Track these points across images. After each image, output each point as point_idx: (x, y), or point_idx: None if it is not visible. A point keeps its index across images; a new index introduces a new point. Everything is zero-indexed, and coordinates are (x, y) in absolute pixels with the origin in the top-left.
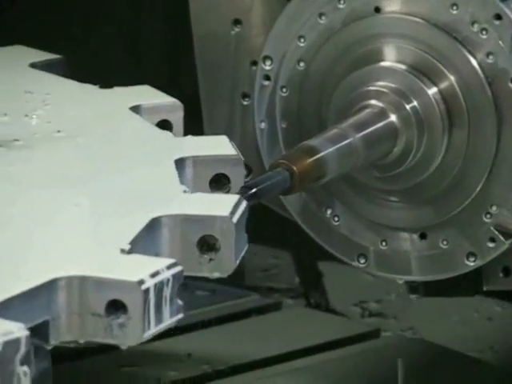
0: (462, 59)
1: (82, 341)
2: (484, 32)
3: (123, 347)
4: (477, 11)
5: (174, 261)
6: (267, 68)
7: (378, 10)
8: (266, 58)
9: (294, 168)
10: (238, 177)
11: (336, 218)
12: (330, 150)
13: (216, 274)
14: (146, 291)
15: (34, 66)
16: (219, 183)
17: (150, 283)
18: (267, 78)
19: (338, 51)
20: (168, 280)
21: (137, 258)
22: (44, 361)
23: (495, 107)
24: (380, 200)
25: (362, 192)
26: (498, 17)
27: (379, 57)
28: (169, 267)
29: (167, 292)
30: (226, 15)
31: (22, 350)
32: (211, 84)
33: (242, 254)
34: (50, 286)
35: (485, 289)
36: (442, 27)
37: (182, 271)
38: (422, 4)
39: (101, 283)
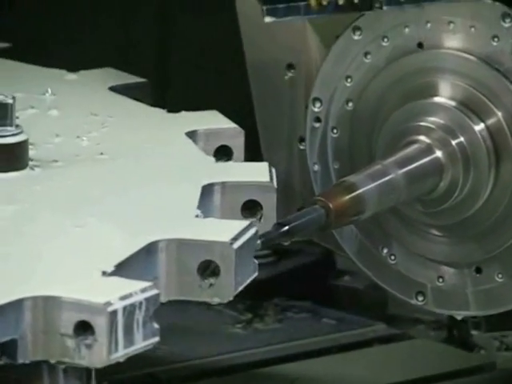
0: (506, 92)
1: (52, 361)
2: None
3: (91, 367)
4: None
5: (149, 284)
6: (317, 110)
7: (421, 45)
8: (315, 99)
9: (330, 205)
10: (269, 203)
11: (392, 257)
12: (370, 186)
13: (216, 300)
14: (113, 313)
15: (113, 89)
16: (252, 210)
17: (118, 305)
18: (318, 119)
19: (384, 89)
20: (141, 303)
21: (115, 280)
22: None
23: None
24: (432, 236)
25: (415, 229)
26: None
27: (424, 93)
28: (143, 290)
29: (139, 315)
30: (280, 59)
31: None
32: (270, 129)
33: (248, 280)
34: (16, 305)
35: None
36: (484, 60)
37: (157, 295)
38: (464, 38)
39: (69, 304)
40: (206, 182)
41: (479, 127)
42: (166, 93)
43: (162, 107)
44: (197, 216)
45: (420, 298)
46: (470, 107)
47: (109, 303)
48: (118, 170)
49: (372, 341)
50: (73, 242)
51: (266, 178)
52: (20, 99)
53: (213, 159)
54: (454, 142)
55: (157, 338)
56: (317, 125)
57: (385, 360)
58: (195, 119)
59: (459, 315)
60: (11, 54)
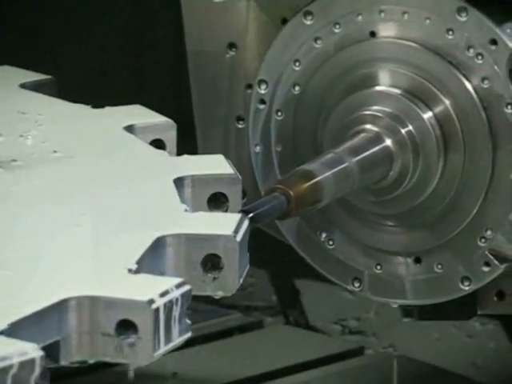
0: (457, 84)
1: (91, 361)
2: (479, 57)
3: (133, 366)
4: (472, 36)
5: (181, 280)
6: (262, 92)
7: (373, 34)
8: (261, 81)
9: (291, 193)
10: (236, 196)
11: (331, 242)
12: (327, 174)
13: (220, 293)
14: (156, 311)
15: (23, 86)
16: (217, 202)
17: (159, 303)
18: (262, 101)
19: (333, 75)
20: (177, 299)
21: (145, 277)
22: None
23: (490, 132)
24: (375, 224)
25: (356, 216)
26: (494, 42)
27: (375, 81)
28: (177, 286)
29: (176, 311)
30: (221, 38)
31: (37, 370)
32: (206, 106)
33: (245, 272)
34: (60, 307)
35: (479, 313)
36: (437, 52)
37: (190, 290)
38: (418, 29)
39: (111, 303)
40: (175, 176)
41: (428, 115)
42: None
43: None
44: (186, 210)
45: (356, 284)
46: (420, 97)
47: (152, 301)
48: (84, 169)
49: (231, 330)
50: (80, 241)
51: (231, 171)
52: None
53: (166, 153)
54: (403, 131)
55: (189, 334)
56: (261, 106)
57: (248, 349)
58: (126, 113)
59: (395, 303)
60: None
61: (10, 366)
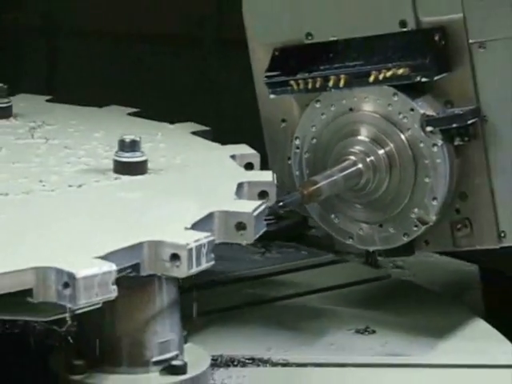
0: (396, 134)
1: (159, 274)
2: (405, 119)
3: (179, 276)
4: (401, 107)
5: (209, 234)
6: (297, 142)
7: (351, 109)
8: (296, 137)
9: (305, 192)
10: (273, 193)
11: (336, 219)
12: (324, 182)
13: (244, 242)
14: (190, 249)
15: (194, 133)
16: (263, 196)
17: (192, 245)
18: (297, 147)
19: (331, 133)
20: (204, 244)
21: (192, 232)
22: (172, 291)
23: (413, 157)
24: (356, 208)
25: (347, 204)
26: (412, 109)
27: (353, 134)
28: (206, 237)
29: (204, 250)
30: (277, 116)
31: (113, 276)
32: (273, 152)
33: (261, 232)
34: (140, 245)
35: (416, 253)
36: (384, 117)
37: (213, 240)
38: (374, 105)
39: (167, 244)
40: (239, 181)
41: (381, 151)
42: None
43: None
44: (235, 199)
45: (350, 240)
46: (378, 142)
47: (188, 244)
48: (193, 172)
49: (328, 262)
50: (169, 207)
51: (271, 179)
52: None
53: (242, 168)
54: (368, 160)
55: (212, 262)
56: (297, 151)
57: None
58: (233, 148)
59: (371, 249)
60: None
61: (96, 275)
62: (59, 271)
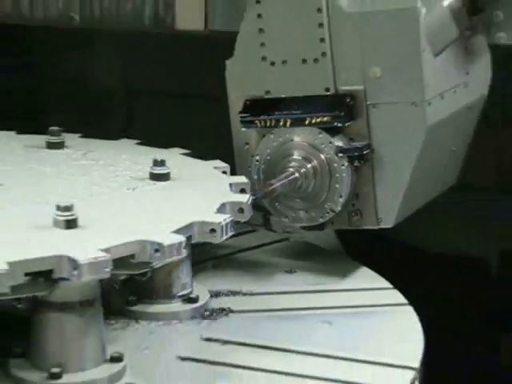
0: (319, 156)
1: (202, 241)
2: (326, 147)
3: (215, 242)
4: (323, 141)
5: (229, 215)
6: (257, 158)
7: (292, 140)
8: (256, 154)
9: (265, 190)
10: (248, 189)
11: (279, 206)
12: (277, 184)
13: (242, 220)
14: (222, 226)
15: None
16: (243, 191)
17: (223, 223)
18: (257, 161)
19: (279, 153)
20: (229, 222)
21: (220, 215)
22: (188, 251)
23: (329, 172)
24: (294, 200)
25: (288, 198)
26: (330, 142)
27: (293, 154)
28: (229, 217)
29: (229, 225)
30: (242, 141)
31: (183, 243)
32: (239, 164)
33: (251, 214)
34: (190, 226)
35: (324, 229)
36: (313, 146)
37: (233, 219)
38: (308, 138)
39: (206, 224)
40: (230, 182)
41: (309, 165)
42: None
43: None
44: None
45: (286, 219)
46: (307, 160)
47: (220, 222)
48: (192, 182)
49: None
50: (197, 200)
51: (247, 181)
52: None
53: (225, 176)
54: (302, 171)
55: (233, 232)
56: (256, 163)
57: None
58: (212, 163)
59: (299, 225)
60: None
61: (174, 244)
62: (153, 243)
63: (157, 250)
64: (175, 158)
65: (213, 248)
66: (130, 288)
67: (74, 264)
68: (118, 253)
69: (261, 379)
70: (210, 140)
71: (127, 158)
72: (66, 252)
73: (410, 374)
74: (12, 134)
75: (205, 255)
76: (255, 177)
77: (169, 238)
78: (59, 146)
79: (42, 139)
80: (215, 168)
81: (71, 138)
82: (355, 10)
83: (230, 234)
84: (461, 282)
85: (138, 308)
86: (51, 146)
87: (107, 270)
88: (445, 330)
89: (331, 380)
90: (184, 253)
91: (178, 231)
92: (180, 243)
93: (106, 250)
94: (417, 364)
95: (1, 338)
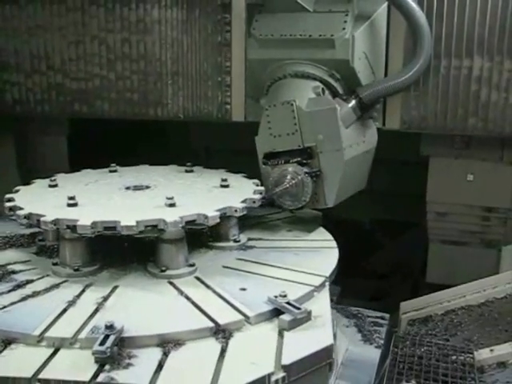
0: (297, 176)
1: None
2: (300, 171)
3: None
4: (299, 170)
5: (245, 204)
6: (270, 178)
7: (285, 169)
8: (271, 177)
9: (274, 192)
10: (263, 192)
11: (280, 200)
12: (278, 190)
13: (256, 206)
14: (238, 207)
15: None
16: (261, 193)
17: (239, 207)
18: (271, 179)
19: (279, 176)
20: (243, 207)
21: (240, 204)
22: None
23: (302, 183)
24: (287, 197)
25: (285, 196)
26: (301, 169)
27: (285, 176)
28: (243, 205)
29: (243, 208)
30: (264, 171)
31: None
32: (264, 181)
33: (260, 203)
34: (225, 208)
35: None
36: (294, 171)
37: (246, 206)
38: (292, 168)
39: (232, 207)
40: (254, 189)
41: (294, 181)
42: None
43: None
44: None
45: (285, 205)
46: (293, 178)
47: (238, 206)
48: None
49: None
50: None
51: (262, 188)
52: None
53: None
54: (290, 183)
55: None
56: (271, 180)
57: None
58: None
59: (291, 208)
60: None
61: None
62: (203, 215)
63: (206, 218)
64: (237, 178)
65: (256, 218)
66: (210, 234)
67: (165, 222)
68: (189, 218)
69: (252, 278)
70: (253, 172)
71: (218, 177)
72: (164, 217)
73: (322, 278)
74: (175, 166)
75: (246, 221)
76: (270, 187)
77: (212, 213)
78: (191, 171)
79: (182, 169)
80: (253, 183)
81: (197, 169)
82: (308, 110)
83: (244, 212)
84: (349, 234)
85: (212, 244)
86: (187, 171)
87: (180, 225)
88: (346, 259)
89: (286, 279)
90: (217, 219)
91: (218, 210)
92: (215, 216)
93: (181, 217)
94: (328, 274)
95: (145, 253)
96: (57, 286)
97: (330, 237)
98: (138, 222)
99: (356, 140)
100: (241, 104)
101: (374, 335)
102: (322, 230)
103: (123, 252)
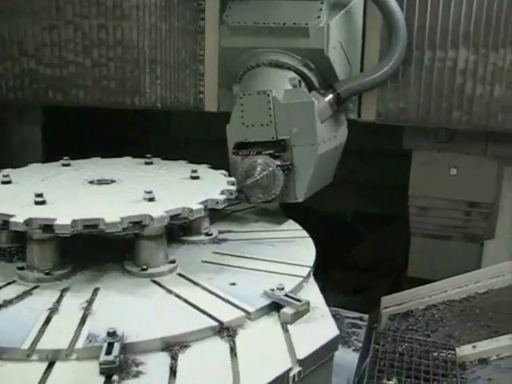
0: (268, 168)
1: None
2: (272, 163)
3: (218, 208)
4: (270, 161)
5: (225, 196)
6: (240, 169)
7: (255, 161)
8: (240, 167)
9: (244, 184)
10: (235, 184)
11: (250, 192)
12: (249, 181)
13: (232, 197)
14: (220, 199)
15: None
16: (233, 184)
17: (221, 199)
18: (240, 170)
19: (250, 168)
20: (224, 199)
21: (221, 195)
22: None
23: (274, 176)
24: (258, 190)
25: (256, 187)
26: (272, 161)
27: (255, 168)
28: (224, 197)
29: (224, 200)
30: (233, 162)
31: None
32: (233, 172)
33: (235, 195)
34: (206, 200)
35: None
36: (266, 163)
37: (227, 198)
38: (263, 160)
39: (214, 199)
40: (228, 181)
41: (265, 173)
42: None
43: None
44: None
45: (257, 196)
46: (264, 170)
47: (221, 198)
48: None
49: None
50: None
51: (233, 179)
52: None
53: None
54: (261, 175)
55: (234, 197)
56: (240, 171)
57: None
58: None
59: (259, 201)
60: None
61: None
62: (188, 208)
63: (191, 211)
64: (203, 169)
65: (219, 211)
66: (180, 228)
67: (151, 218)
68: (174, 212)
69: (238, 271)
70: (220, 160)
71: (182, 168)
72: (148, 212)
73: (307, 268)
74: (129, 158)
75: (216, 213)
76: (239, 178)
77: (196, 206)
78: (150, 163)
79: (141, 161)
80: (221, 174)
81: (156, 160)
82: (284, 102)
83: (225, 204)
84: (331, 226)
85: (184, 238)
86: (147, 163)
87: (166, 220)
88: (327, 252)
89: (272, 272)
90: (204, 212)
91: (201, 203)
92: (200, 209)
93: (167, 212)
94: (311, 264)
95: (120, 251)
96: (29, 292)
97: (298, 226)
98: (122, 219)
99: (329, 135)
100: (214, 94)
101: (352, 337)
102: (289, 220)
103: (96, 251)
